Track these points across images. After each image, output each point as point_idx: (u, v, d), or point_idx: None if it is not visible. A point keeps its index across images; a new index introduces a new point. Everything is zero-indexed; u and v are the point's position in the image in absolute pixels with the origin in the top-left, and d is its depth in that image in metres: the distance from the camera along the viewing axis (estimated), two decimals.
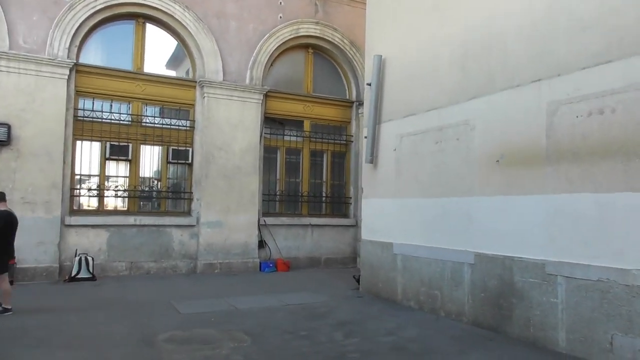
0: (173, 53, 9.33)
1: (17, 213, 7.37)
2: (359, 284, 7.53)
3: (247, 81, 9.23)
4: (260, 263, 9.14)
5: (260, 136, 9.37)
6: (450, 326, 5.28)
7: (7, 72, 7.50)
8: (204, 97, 8.93)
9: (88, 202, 8.46)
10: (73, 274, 7.62)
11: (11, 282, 7.12)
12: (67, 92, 7.91)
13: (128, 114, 8.62)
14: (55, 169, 7.72)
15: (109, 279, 7.93)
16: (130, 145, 8.52)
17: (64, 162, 7.87)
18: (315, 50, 10.27)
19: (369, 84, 7.26)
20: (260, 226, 9.28)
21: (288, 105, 9.90)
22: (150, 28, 8.87)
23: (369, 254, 7.10)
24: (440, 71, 6.00)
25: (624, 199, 3.93)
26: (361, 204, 10.03)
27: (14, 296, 6.36)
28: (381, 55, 7.02)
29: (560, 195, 4.41)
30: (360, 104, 10.22)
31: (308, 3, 9.85)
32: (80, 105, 8.25)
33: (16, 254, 7.26)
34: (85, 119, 8.25)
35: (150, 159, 8.91)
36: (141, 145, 8.72)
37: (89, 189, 8.35)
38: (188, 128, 9.01)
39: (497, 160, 5.08)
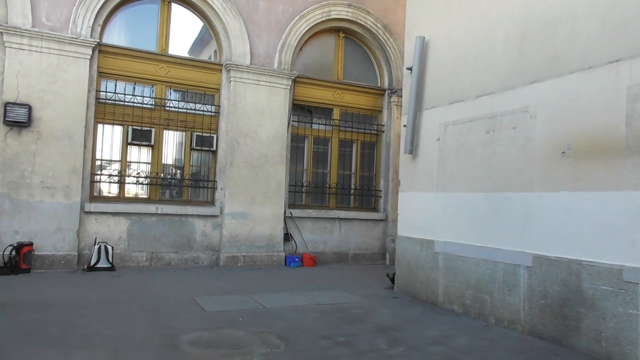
0: (199, 35, 8.89)
1: (36, 198, 7.14)
2: (393, 283, 7.04)
3: (276, 65, 8.75)
4: (285, 257, 8.71)
5: (288, 124, 8.90)
6: (504, 336, 4.76)
7: (30, 50, 7.14)
8: (230, 82, 8.48)
9: (108, 188, 8.10)
10: (92, 263, 7.27)
11: (28, 270, 6.86)
12: (89, 73, 7.52)
13: (151, 97, 8.21)
14: (76, 153, 7.36)
15: (128, 269, 7.58)
16: (153, 130, 8.13)
17: (85, 146, 7.51)
18: (347, 34, 9.73)
19: (409, 69, 6.72)
20: (286, 218, 8.83)
21: (317, 92, 9.40)
22: (175, 8, 8.44)
23: (406, 252, 6.60)
24: (493, 53, 5.44)
25: None
26: (391, 198, 9.58)
27: (31, 285, 6.04)
28: (424, 37, 6.47)
29: None
30: (393, 92, 9.69)
31: None
32: (102, 87, 7.88)
33: (34, 241, 7.02)
34: (107, 101, 7.87)
35: (173, 145, 8.52)
36: (164, 131, 8.32)
37: (110, 175, 7.99)
38: (213, 114, 8.58)
39: (563, 152, 4.52)
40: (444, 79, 6.18)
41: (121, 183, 8.02)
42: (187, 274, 7.52)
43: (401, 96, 9.53)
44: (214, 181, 8.54)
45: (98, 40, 7.60)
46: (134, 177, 8.12)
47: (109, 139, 7.96)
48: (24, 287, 6.03)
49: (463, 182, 5.70)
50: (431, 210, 6.19)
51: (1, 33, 7.00)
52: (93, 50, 7.55)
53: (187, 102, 8.42)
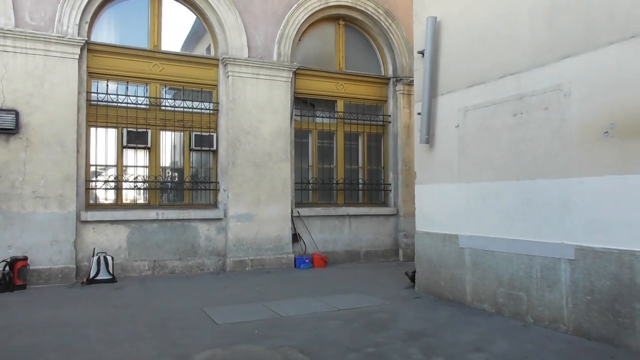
0: (192, 29, 8.42)
1: (29, 209, 6.67)
2: (412, 282, 6.63)
3: (275, 57, 8.29)
4: (295, 259, 8.28)
5: (291, 118, 8.45)
6: (548, 337, 4.34)
7: (14, 52, 6.66)
8: (227, 77, 8.02)
9: (105, 195, 7.64)
10: (91, 275, 6.83)
11: (24, 286, 6.42)
12: (78, 74, 7.05)
13: (145, 97, 7.75)
14: (68, 160, 6.90)
15: (130, 280, 7.14)
16: (149, 131, 7.67)
17: (78, 152, 7.04)
18: (347, 22, 9.28)
19: (421, 52, 6.28)
20: (293, 218, 8.39)
21: (319, 84, 8.95)
22: (166, 2, 7.97)
23: (426, 248, 6.18)
24: (517, 28, 5.00)
25: None
26: (401, 191, 9.15)
27: (27, 303, 5.60)
28: (435, 17, 6.03)
29: None
30: (398, 80, 9.26)
31: None
32: (93, 89, 7.41)
33: (28, 255, 6.57)
34: (99, 103, 7.40)
35: (171, 146, 8.06)
36: (161, 132, 7.86)
37: (106, 181, 7.53)
38: (211, 111, 8.13)
39: (606, 132, 4.09)
40: (460, 60, 5.75)
41: (118, 189, 7.56)
42: (192, 282, 7.08)
43: (407, 84, 9.18)
44: (216, 182, 8.09)
45: (86, 39, 7.13)
46: (132, 182, 7.66)
47: (103, 143, 7.50)
48: (19, 305, 5.58)
49: (488, 171, 5.27)
50: (453, 202, 5.77)
51: None
52: (81, 50, 7.07)
53: (183, 100, 7.95)
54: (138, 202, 7.74)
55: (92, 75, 7.38)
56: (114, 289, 6.50)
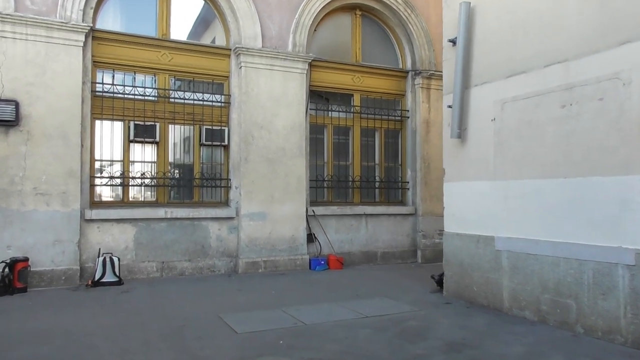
0: (203, 17, 7.99)
1: (30, 206, 6.25)
2: (439, 286, 6.23)
3: (290, 48, 7.87)
4: (310, 260, 7.86)
5: (306, 112, 8.02)
6: (604, 350, 3.93)
7: (13, 39, 6.23)
8: (240, 67, 7.59)
9: (111, 192, 7.22)
10: (97, 277, 6.40)
11: (25, 289, 6.00)
12: (82, 63, 6.62)
13: (153, 88, 7.31)
14: (72, 154, 6.47)
15: (138, 282, 6.72)
16: (157, 125, 7.23)
17: (82, 146, 6.61)
18: (364, 12, 8.85)
19: (452, 41, 5.87)
20: (308, 217, 7.97)
21: (335, 77, 8.52)
22: None
23: (457, 250, 5.77)
24: (564, 11, 4.59)
25: None
26: (419, 189, 8.74)
27: (28, 308, 5.19)
28: (469, 2, 5.62)
29: None
30: (417, 73, 8.83)
31: None
32: (98, 79, 6.98)
33: (29, 255, 6.15)
34: (104, 94, 6.97)
35: (180, 140, 7.64)
36: (169, 125, 7.43)
37: (112, 177, 7.09)
38: (223, 104, 7.70)
39: None
40: (497, 48, 5.33)
41: (125, 186, 7.13)
42: (204, 284, 6.66)
43: (427, 78, 8.77)
44: (228, 179, 7.66)
45: (91, 25, 6.69)
46: (139, 178, 7.23)
47: (109, 137, 7.07)
48: (19, 311, 5.15)
49: (531, 167, 4.86)
50: (488, 201, 5.36)
51: None
52: (86, 37, 6.64)
53: (193, 92, 7.52)
54: (145, 199, 7.31)
55: (97, 64, 6.95)
56: (121, 293, 6.08)
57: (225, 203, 7.66)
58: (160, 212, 7.05)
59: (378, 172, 8.90)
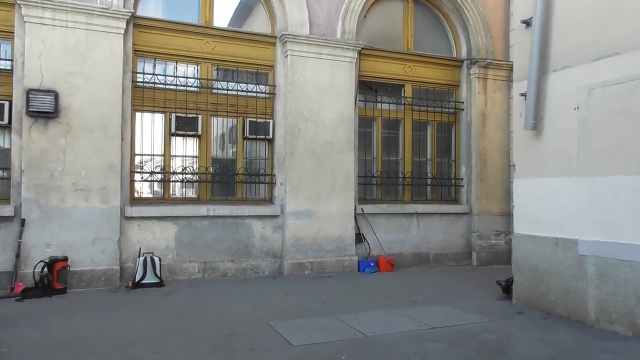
0: (244, 2, 7.55)
1: (69, 203, 5.96)
2: (505, 293, 5.65)
3: (339, 35, 7.37)
4: (358, 261, 7.36)
5: (355, 104, 7.52)
6: None
7: (53, 26, 5.95)
8: (286, 56, 7.14)
9: (151, 188, 6.90)
10: (137, 278, 6.08)
11: (64, 290, 5.72)
12: (123, 51, 6.31)
13: (196, 79, 6.94)
14: (112, 147, 6.17)
15: (179, 283, 6.37)
16: (200, 117, 6.87)
17: (122, 139, 6.30)
18: None
19: (525, 22, 5.27)
20: (356, 215, 7.47)
21: (385, 66, 7.97)
22: None
23: (529, 254, 5.17)
24: None
25: None
26: (474, 187, 8.13)
27: (67, 312, 4.89)
28: None
29: None
30: (473, 62, 8.20)
31: None
32: (139, 68, 6.65)
33: (68, 254, 5.87)
34: (145, 84, 6.65)
35: (223, 134, 7.26)
36: (212, 118, 7.06)
37: (152, 172, 6.76)
38: (267, 95, 7.27)
39: None
40: (582, 28, 4.70)
41: (166, 181, 6.80)
42: (248, 287, 6.27)
43: (483, 67, 8.15)
44: (272, 175, 7.24)
45: (132, 12, 6.35)
46: (180, 173, 6.88)
47: (149, 130, 6.74)
48: (58, 314, 4.85)
49: (624, 162, 4.23)
50: (569, 200, 4.74)
51: (19, 5, 5.83)
52: (127, 24, 6.31)
53: (237, 82, 7.11)
54: (187, 196, 6.97)
55: (138, 53, 6.62)
56: (163, 295, 5.73)
57: (270, 200, 7.25)
58: (202, 210, 6.69)
59: (430, 168, 8.32)
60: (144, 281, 6.06)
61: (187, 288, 6.12)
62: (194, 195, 6.99)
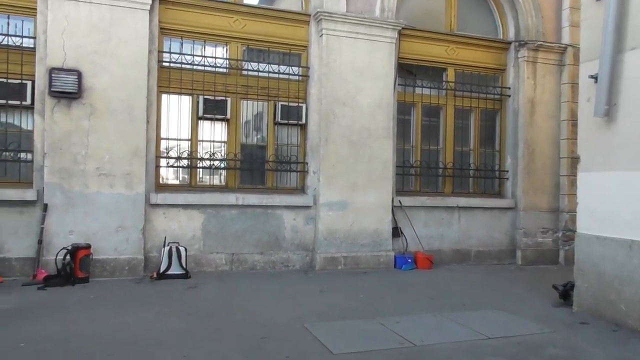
0: None
1: (92, 188, 5.63)
2: (562, 298, 5.10)
3: (377, 13, 6.84)
4: (395, 257, 6.89)
5: (394, 87, 6.99)
6: None
7: (76, 1, 5.59)
8: (321, 36, 6.65)
9: (177, 174, 6.54)
10: (162, 269, 5.75)
11: (86, 279, 5.42)
12: (149, 29, 5.92)
13: (225, 59, 6.52)
14: (137, 131, 5.82)
15: (205, 276, 6.01)
16: (229, 100, 6.45)
17: (148, 122, 5.94)
18: None
19: None
20: (394, 208, 6.98)
21: (426, 48, 7.41)
22: None
23: (596, 257, 4.61)
24: None
25: None
26: (520, 180, 7.54)
27: (89, 304, 4.57)
28: None
29: None
30: (522, 44, 7.57)
31: None
32: (165, 47, 6.26)
33: (91, 242, 5.55)
34: (172, 65, 6.25)
35: (253, 118, 6.84)
36: (242, 101, 6.63)
37: (179, 158, 6.38)
38: (300, 77, 6.81)
39: None
40: None
41: (192, 167, 6.42)
42: (279, 282, 5.87)
43: (533, 49, 7.55)
44: (305, 163, 6.79)
45: None
46: (208, 159, 6.49)
47: (176, 113, 6.36)
48: (80, 306, 4.53)
49: None
50: None
51: None
52: (153, 0, 5.91)
53: (268, 64, 6.66)
54: (214, 184, 6.58)
55: (164, 31, 6.23)
56: (188, 288, 5.37)
57: (302, 190, 6.81)
58: (230, 198, 6.30)
59: (472, 159, 7.75)
60: (168, 272, 5.73)
61: (214, 281, 5.75)
62: (222, 183, 6.60)
